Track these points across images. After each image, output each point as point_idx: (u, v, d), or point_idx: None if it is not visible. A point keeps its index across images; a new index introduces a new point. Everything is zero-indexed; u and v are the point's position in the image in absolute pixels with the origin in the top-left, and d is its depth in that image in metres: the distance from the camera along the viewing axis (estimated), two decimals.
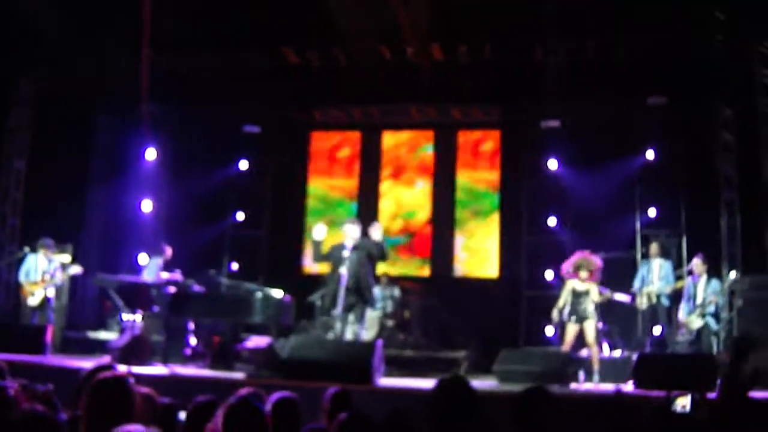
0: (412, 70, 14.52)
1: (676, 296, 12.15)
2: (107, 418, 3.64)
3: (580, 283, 11.27)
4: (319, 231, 10.18)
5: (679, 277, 12.34)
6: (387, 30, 13.21)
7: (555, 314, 11.41)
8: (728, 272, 11.87)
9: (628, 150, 14.47)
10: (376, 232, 10.28)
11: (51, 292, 12.22)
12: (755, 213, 12.51)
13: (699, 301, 11.65)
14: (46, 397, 4.63)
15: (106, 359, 10.19)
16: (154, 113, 14.07)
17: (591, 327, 11.12)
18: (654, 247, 12.49)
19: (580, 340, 11.38)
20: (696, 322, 11.70)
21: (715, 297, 11.58)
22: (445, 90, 15.24)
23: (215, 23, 13.69)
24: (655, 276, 12.21)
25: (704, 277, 11.76)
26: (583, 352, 11.60)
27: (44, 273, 12.13)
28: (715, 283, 11.70)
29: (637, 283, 12.32)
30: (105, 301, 13.41)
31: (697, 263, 11.88)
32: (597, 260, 11.42)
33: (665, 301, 12.13)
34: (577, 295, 11.22)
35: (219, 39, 14.15)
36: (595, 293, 11.16)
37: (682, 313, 11.82)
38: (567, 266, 11.51)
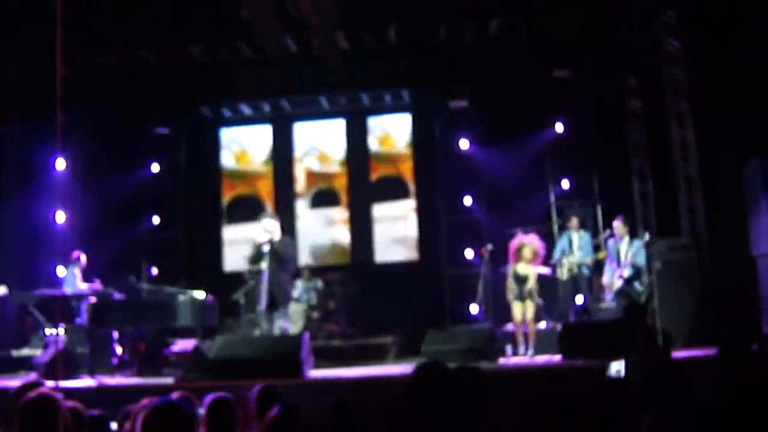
0: (319, 60, 14.48)
1: (596, 266, 12.36)
2: None
3: (521, 266, 11.42)
4: (259, 235, 10.12)
5: (597, 247, 12.56)
6: (291, 20, 13.13)
7: (510, 296, 11.53)
8: (645, 236, 12.08)
9: (538, 124, 14.71)
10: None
11: None
12: (666, 178, 12.78)
13: (623, 261, 11.87)
14: None
15: (32, 376, 10.03)
16: (61, 121, 13.77)
17: (531, 306, 11.31)
18: (574, 220, 12.67)
19: (508, 316, 11.58)
20: (617, 284, 11.94)
21: (634, 258, 11.77)
22: (354, 78, 15.25)
23: (118, 25, 13.44)
24: (575, 247, 12.41)
25: (626, 239, 11.96)
26: (509, 327, 11.78)
27: None
28: (637, 243, 11.89)
29: (557, 255, 12.49)
30: (25, 318, 13.12)
31: (617, 225, 12.09)
32: (539, 244, 11.59)
33: (586, 271, 12.33)
34: (520, 280, 11.37)
35: (122, 41, 13.90)
36: (532, 279, 11.32)
37: (606, 277, 12.02)
38: (510, 248, 11.64)
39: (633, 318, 9.80)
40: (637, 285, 11.83)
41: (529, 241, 11.57)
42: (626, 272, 11.76)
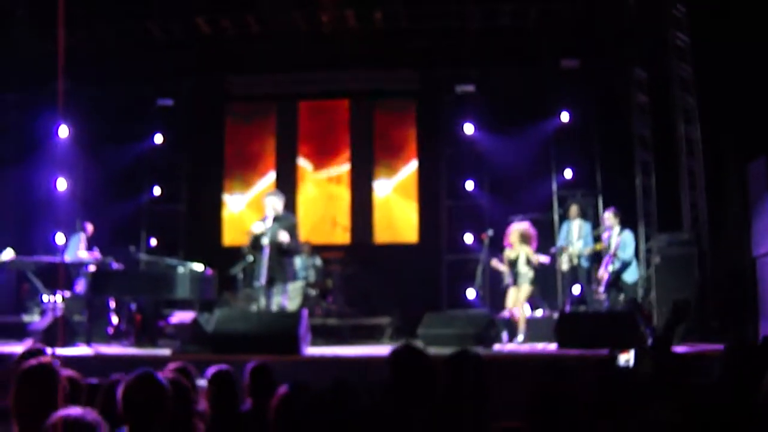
0: (327, 37, 14.45)
1: (595, 257, 12.36)
2: (37, 406, 3.62)
3: (511, 251, 11.46)
4: (257, 225, 10.06)
5: (596, 239, 12.55)
6: None
7: (506, 280, 11.57)
8: (645, 230, 12.07)
9: (543, 113, 14.68)
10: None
11: None
12: (669, 172, 12.78)
13: (609, 252, 11.89)
14: None
15: (30, 343, 10.04)
16: (65, 89, 13.75)
17: (524, 290, 11.33)
18: (574, 209, 12.67)
19: (503, 301, 11.62)
20: (605, 276, 11.97)
21: (617, 250, 11.73)
22: (361, 57, 15.22)
23: None
24: (574, 237, 12.41)
25: (617, 229, 11.97)
26: (506, 313, 11.80)
27: None
28: (626, 233, 11.86)
29: (559, 244, 12.50)
30: (23, 284, 13.12)
31: (607, 216, 12.13)
32: (529, 228, 11.60)
33: (584, 263, 12.34)
34: (512, 264, 11.42)
35: (129, 11, 13.87)
36: (523, 258, 11.35)
37: (602, 269, 12.03)
38: (505, 239, 11.66)
39: (633, 311, 9.86)
40: (626, 277, 11.80)
41: (517, 227, 11.60)
42: (611, 266, 11.76)
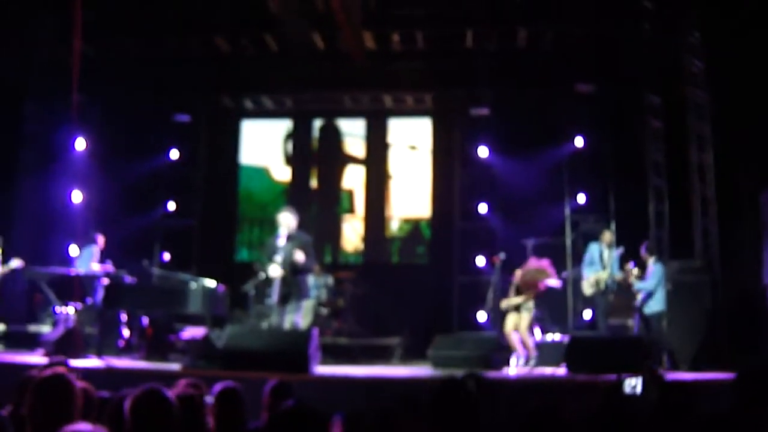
0: (344, 58, 14.54)
1: (620, 286, 12.25)
2: (52, 417, 3.66)
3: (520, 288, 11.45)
4: (274, 270, 10.03)
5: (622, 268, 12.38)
6: (319, 17, 13.20)
7: (504, 304, 11.56)
8: (658, 258, 11.96)
9: (557, 137, 14.73)
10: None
11: None
12: (682, 199, 12.75)
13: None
14: None
15: (40, 353, 10.11)
16: (83, 102, 13.87)
17: (526, 318, 11.30)
18: (607, 235, 12.37)
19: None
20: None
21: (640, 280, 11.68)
22: (378, 78, 15.32)
23: (146, 10, 13.54)
24: (605, 262, 12.20)
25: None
26: (510, 338, 11.77)
27: None
28: (657, 265, 11.76)
29: (584, 267, 12.32)
30: (36, 294, 13.18)
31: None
32: (547, 282, 11.56)
33: (610, 288, 12.17)
34: (519, 299, 11.39)
35: (149, 27, 14.01)
36: (531, 302, 11.34)
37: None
38: (525, 272, 11.59)
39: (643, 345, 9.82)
40: (646, 309, 11.68)
41: (538, 269, 11.53)
42: (639, 296, 11.68)
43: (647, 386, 5.18)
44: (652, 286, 11.53)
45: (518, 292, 11.43)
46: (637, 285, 11.55)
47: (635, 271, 11.74)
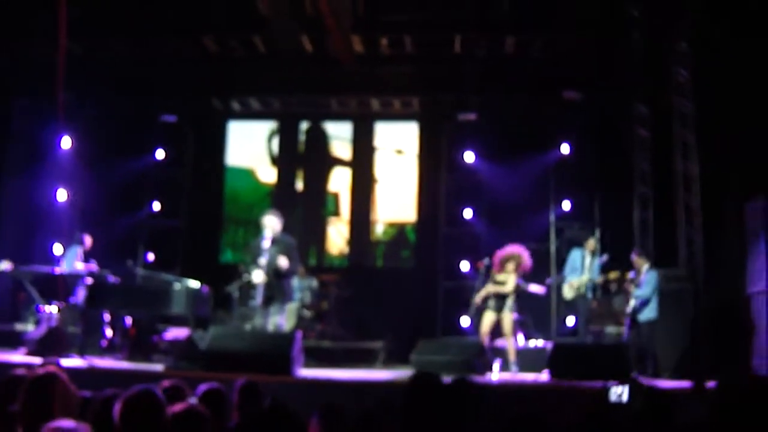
0: (332, 61, 14.53)
1: (601, 289, 12.27)
2: (45, 416, 3.65)
3: (503, 275, 11.44)
4: (258, 275, 10.00)
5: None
6: (308, 20, 13.19)
7: (477, 299, 11.55)
8: (651, 265, 11.93)
9: (544, 144, 14.78)
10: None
11: None
12: (667, 208, 12.79)
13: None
14: None
15: (22, 351, 10.06)
16: (70, 101, 13.81)
17: (508, 319, 11.30)
18: (591, 242, 12.30)
19: (498, 331, 11.57)
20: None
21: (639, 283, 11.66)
22: (365, 81, 15.33)
23: (134, 10, 13.50)
24: (586, 268, 12.21)
25: (645, 267, 11.87)
26: (500, 342, 11.79)
27: None
28: (651, 272, 11.73)
29: (565, 271, 12.34)
30: (19, 293, 13.11)
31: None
32: (527, 259, 11.56)
33: (590, 294, 12.19)
34: (498, 284, 11.40)
35: (137, 27, 13.97)
36: (510, 283, 11.34)
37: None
38: (497, 257, 11.60)
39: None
40: (640, 316, 11.62)
41: (517, 254, 11.56)
42: (632, 301, 11.65)
43: (634, 395, 5.19)
44: (648, 293, 11.52)
45: (496, 282, 11.44)
46: (636, 293, 11.55)
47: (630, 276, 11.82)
